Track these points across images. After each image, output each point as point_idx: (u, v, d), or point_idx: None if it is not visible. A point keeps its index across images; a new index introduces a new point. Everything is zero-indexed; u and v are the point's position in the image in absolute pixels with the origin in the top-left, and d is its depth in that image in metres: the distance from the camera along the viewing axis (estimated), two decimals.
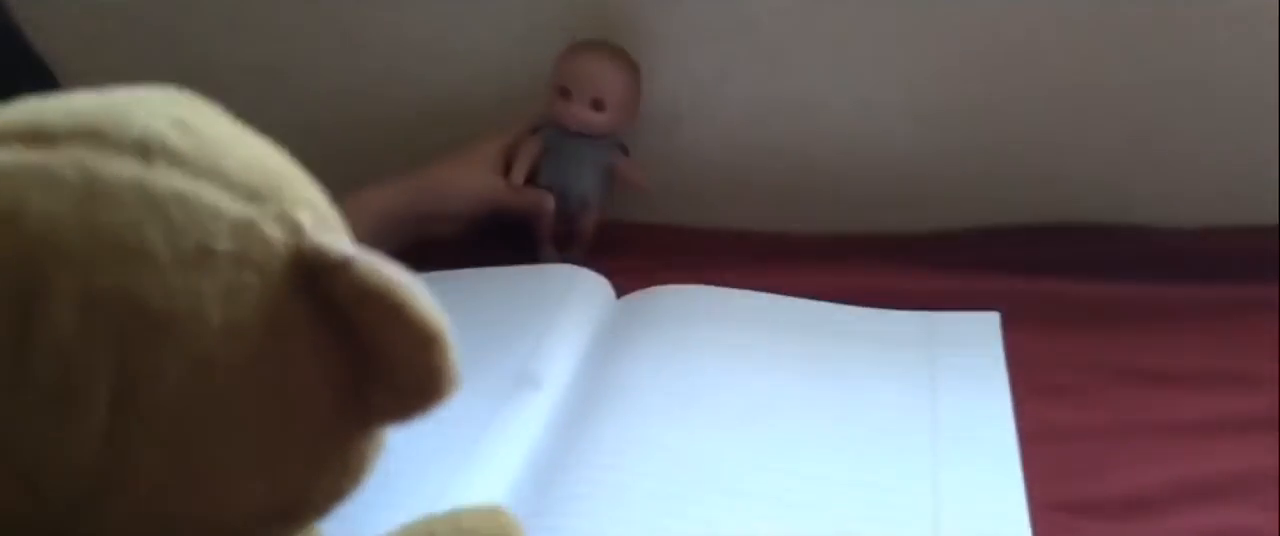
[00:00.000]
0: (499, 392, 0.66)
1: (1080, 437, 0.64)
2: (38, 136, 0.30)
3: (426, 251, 0.84)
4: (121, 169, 0.30)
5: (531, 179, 0.86)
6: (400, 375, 0.31)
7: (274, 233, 0.31)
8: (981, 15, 0.85)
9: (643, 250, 0.87)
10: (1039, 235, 0.86)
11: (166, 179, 0.30)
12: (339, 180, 0.84)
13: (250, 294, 0.30)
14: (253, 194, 0.31)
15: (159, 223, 0.30)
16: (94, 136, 0.30)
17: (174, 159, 0.31)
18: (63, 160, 0.30)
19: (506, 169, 0.85)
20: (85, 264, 0.29)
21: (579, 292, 0.78)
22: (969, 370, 0.69)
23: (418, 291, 0.31)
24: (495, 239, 0.87)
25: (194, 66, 0.93)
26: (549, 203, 0.85)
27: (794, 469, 0.62)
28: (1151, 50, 0.84)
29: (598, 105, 0.84)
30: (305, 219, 0.32)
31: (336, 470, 0.32)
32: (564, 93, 0.84)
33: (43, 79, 0.60)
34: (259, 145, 0.33)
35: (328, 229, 0.32)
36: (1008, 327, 0.73)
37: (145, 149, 0.30)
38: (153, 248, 0.29)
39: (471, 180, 0.84)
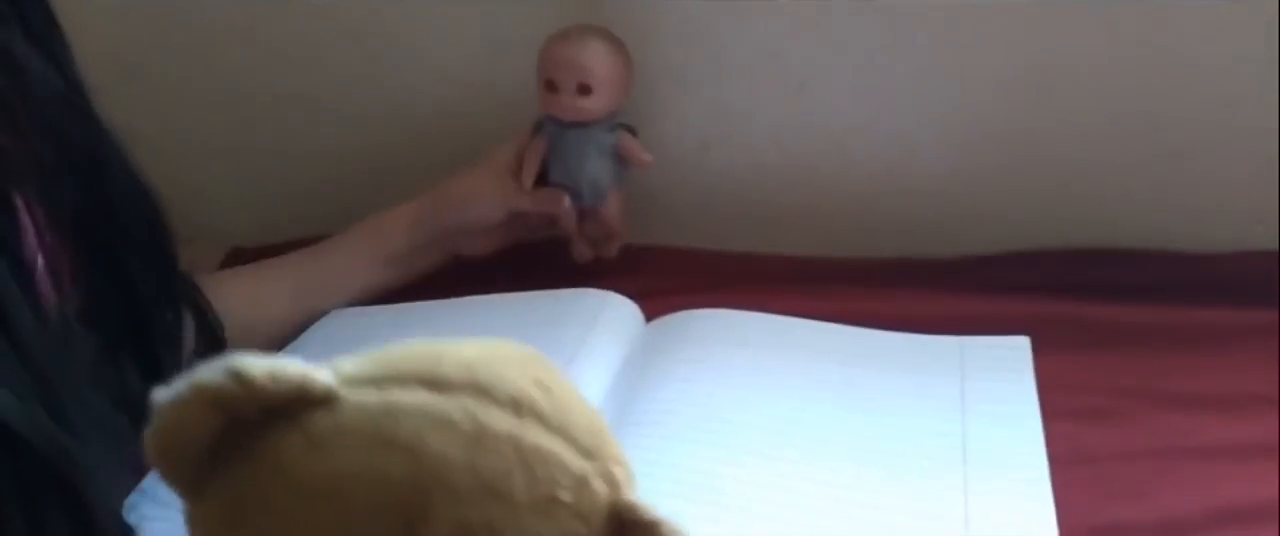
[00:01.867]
0: None
1: (1111, 461, 0.64)
2: (435, 383, 0.36)
3: (464, 275, 0.86)
4: (501, 421, 0.35)
5: (543, 179, 0.86)
6: None
7: (600, 487, 0.37)
8: (1011, 42, 0.85)
9: (672, 274, 0.87)
10: (1069, 259, 0.85)
11: (533, 435, 0.36)
12: (374, 205, 0.87)
13: None
14: (588, 452, 0.37)
15: (524, 472, 0.35)
16: (480, 390, 0.36)
17: (538, 416, 0.36)
18: (455, 407, 0.35)
19: (518, 174, 0.85)
20: (464, 498, 0.34)
21: (609, 316, 0.78)
22: (999, 394, 0.69)
23: None
24: (531, 254, 0.88)
25: (229, 93, 0.96)
26: (563, 200, 0.85)
27: (823, 493, 0.62)
28: (1185, 73, 0.84)
29: (584, 90, 0.83)
30: (620, 477, 0.38)
31: None
32: (550, 85, 0.84)
33: (80, 108, 0.62)
34: (586, 404, 0.39)
35: (632, 485, 0.38)
36: (1038, 352, 0.72)
37: (518, 406, 0.36)
38: (517, 493, 0.35)
39: (485, 188, 0.85)
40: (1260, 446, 0.64)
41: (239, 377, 0.35)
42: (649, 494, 0.60)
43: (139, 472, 0.61)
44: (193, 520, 0.37)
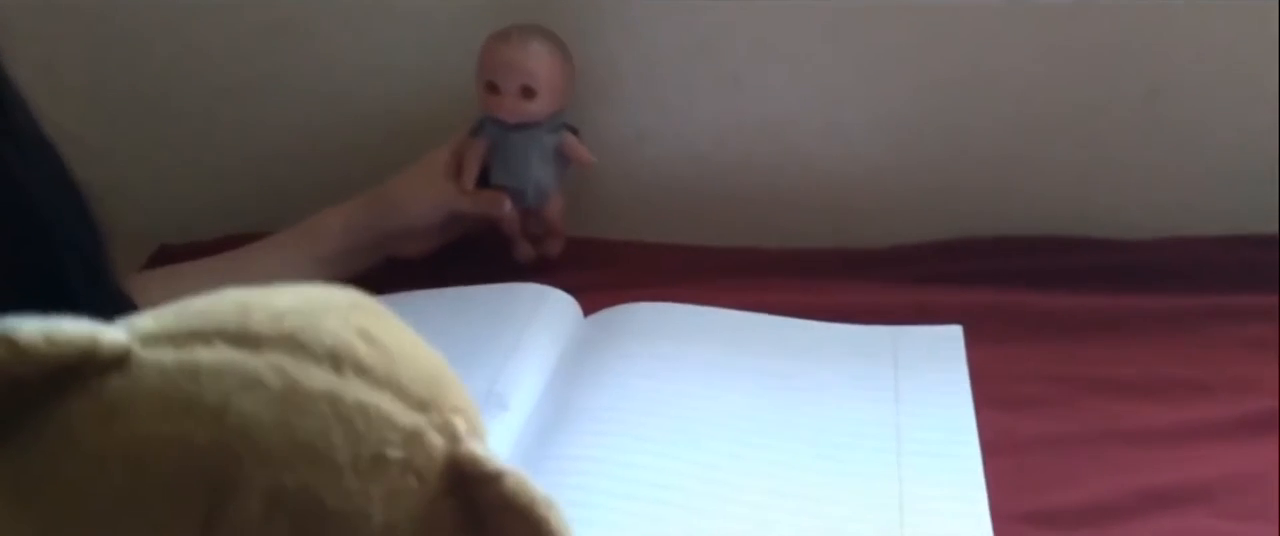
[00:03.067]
0: None
1: (1042, 448, 0.65)
2: (243, 339, 0.33)
3: (398, 270, 0.85)
4: (317, 378, 0.32)
5: (484, 180, 0.85)
6: None
7: (435, 441, 0.34)
8: (943, 35, 0.86)
9: (609, 267, 0.87)
10: (999, 248, 0.86)
11: (354, 390, 0.33)
12: (304, 204, 0.86)
13: (410, 497, 0.33)
14: (421, 403, 0.34)
15: (344, 430, 0.32)
16: (293, 344, 0.33)
17: (360, 370, 0.33)
18: (265, 365, 0.32)
19: (458, 175, 0.84)
20: (277, 462, 0.31)
21: (546, 311, 0.78)
22: (933, 383, 0.70)
23: (557, 511, 0.34)
24: (469, 248, 0.87)
25: (155, 86, 0.95)
26: (504, 203, 0.84)
27: (760, 484, 0.62)
28: (1110, 67, 0.86)
29: (527, 93, 0.82)
30: (461, 427, 0.35)
31: None
32: (492, 87, 0.83)
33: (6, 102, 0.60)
34: (423, 350, 0.36)
35: (476, 436, 0.35)
36: (970, 340, 0.73)
37: (337, 360, 0.33)
38: (336, 453, 0.32)
39: (424, 190, 0.84)
40: (1187, 430, 0.66)
41: (8, 342, 0.32)
42: (590, 488, 0.61)
43: None
44: None
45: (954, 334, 0.74)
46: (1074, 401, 0.69)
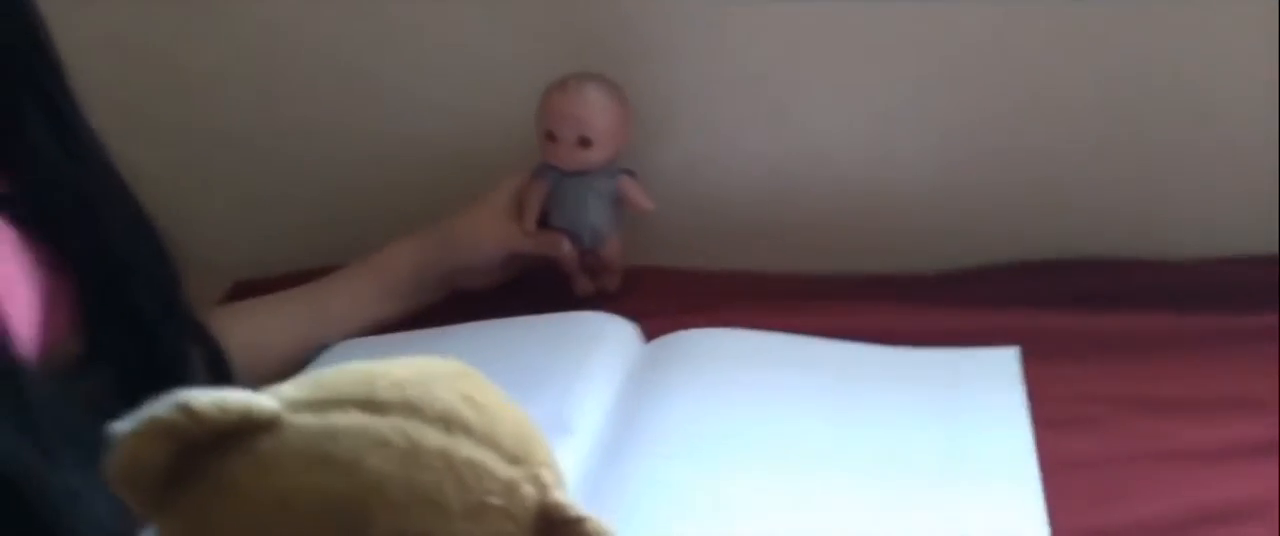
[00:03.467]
0: None
1: (1099, 467, 0.65)
2: (370, 405, 0.39)
3: (465, 303, 0.87)
4: (432, 437, 0.39)
5: (544, 220, 0.87)
6: None
7: (529, 490, 0.40)
8: (987, 60, 0.88)
9: (668, 294, 0.89)
10: (1053, 270, 0.87)
11: (462, 448, 0.39)
12: (371, 238, 0.88)
13: None
14: (515, 459, 0.40)
15: (455, 482, 0.39)
16: (411, 408, 0.39)
17: (467, 430, 0.39)
18: (389, 427, 0.39)
19: (519, 215, 0.87)
20: (401, 509, 0.38)
21: (607, 337, 0.80)
22: (990, 405, 0.71)
23: None
24: (532, 282, 0.89)
25: (228, 124, 0.98)
26: (564, 245, 0.86)
27: (821, 506, 0.64)
28: (1159, 90, 0.87)
29: (584, 143, 0.84)
30: (549, 479, 0.41)
31: None
32: (550, 136, 0.85)
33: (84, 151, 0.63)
34: (515, 412, 0.42)
35: (560, 486, 0.41)
36: (1027, 362, 0.74)
37: (448, 422, 0.39)
38: (449, 502, 0.38)
39: (487, 228, 0.86)
40: (1240, 447, 0.66)
41: (187, 410, 0.38)
42: (652, 510, 0.63)
43: None
44: None
45: (1010, 355, 0.75)
46: (1128, 420, 0.69)
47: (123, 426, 0.39)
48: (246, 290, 0.91)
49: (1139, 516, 0.62)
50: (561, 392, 0.73)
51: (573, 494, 0.65)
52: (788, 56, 0.90)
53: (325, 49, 0.95)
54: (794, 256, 0.92)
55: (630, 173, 0.88)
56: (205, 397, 0.39)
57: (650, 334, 0.82)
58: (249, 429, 0.39)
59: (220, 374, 0.72)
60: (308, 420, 0.39)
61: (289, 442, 0.39)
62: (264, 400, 0.39)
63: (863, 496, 0.64)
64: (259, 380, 0.76)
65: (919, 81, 0.90)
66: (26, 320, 0.58)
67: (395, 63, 0.95)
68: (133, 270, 0.64)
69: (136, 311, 0.64)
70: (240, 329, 0.77)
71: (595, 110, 0.85)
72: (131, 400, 0.63)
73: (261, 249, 0.98)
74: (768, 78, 0.91)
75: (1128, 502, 0.63)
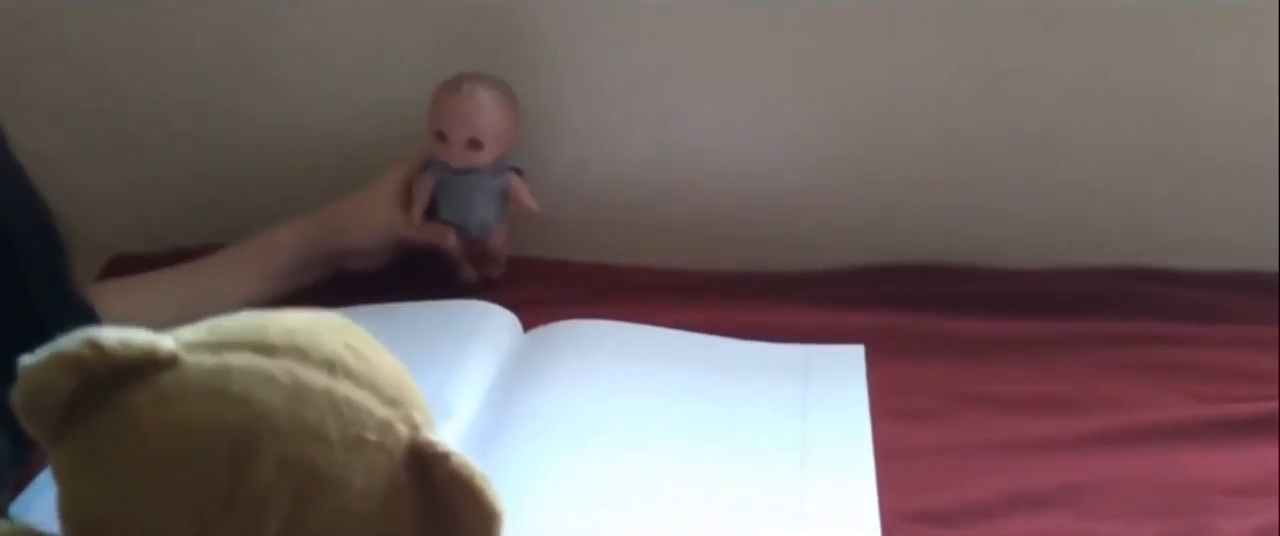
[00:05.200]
0: None
1: (929, 455, 0.71)
2: (262, 347, 0.43)
3: (348, 284, 0.88)
4: (316, 378, 0.43)
5: (432, 212, 0.88)
6: None
7: (402, 429, 0.44)
8: (856, 69, 0.92)
9: (548, 284, 0.92)
10: (903, 274, 0.93)
11: (343, 389, 0.43)
12: (252, 219, 0.89)
13: (381, 470, 0.44)
14: (392, 401, 0.45)
15: (336, 417, 0.43)
16: (299, 352, 0.44)
17: (349, 374, 0.44)
18: (279, 367, 0.43)
19: (407, 202, 0.88)
20: (285, 437, 0.42)
21: (488, 326, 0.83)
22: (835, 398, 0.76)
23: (492, 484, 0.45)
24: (416, 265, 0.90)
25: (115, 102, 0.98)
26: (450, 237, 0.88)
27: (679, 487, 0.68)
28: (1008, 103, 0.92)
29: (474, 144, 0.85)
30: (420, 420, 0.45)
31: None
32: (441, 136, 0.86)
33: None
34: (393, 363, 0.46)
35: (430, 427, 0.46)
36: (873, 359, 0.79)
37: (332, 366, 0.44)
38: (330, 433, 0.42)
39: (374, 215, 0.88)
40: (1058, 441, 0.72)
41: (94, 345, 0.42)
42: (524, 489, 0.66)
43: (18, 480, 0.63)
44: (55, 464, 0.44)
45: (857, 353, 0.80)
46: (960, 415, 0.75)
47: (29, 358, 0.43)
48: (126, 265, 0.91)
49: (963, 501, 0.67)
50: (442, 378, 0.75)
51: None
52: (674, 60, 0.93)
53: (216, 30, 0.95)
54: (670, 253, 0.96)
55: (519, 171, 0.89)
56: (112, 334, 0.43)
57: (530, 323, 0.85)
58: (150, 365, 0.43)
59: None
60: (204, 358, 0.43)
61: (187, 378, 0.42)
62: (165, 339, 0.43)
63: (717, 477, 0.69)
64: None
65: (793, 93, 0.94)
66: None
67: (285, 47, 0.95)
68: (20, 247, 0.64)
69: (24, 289, 0.64)
70: (118, 303, 0.75)
71: (486, 112, 0.86)
72: (7, 382, 0.64)
73: (142, 224, 0.98)
74: (655, 80, 0.94)
75: (953, 489, 0.68)
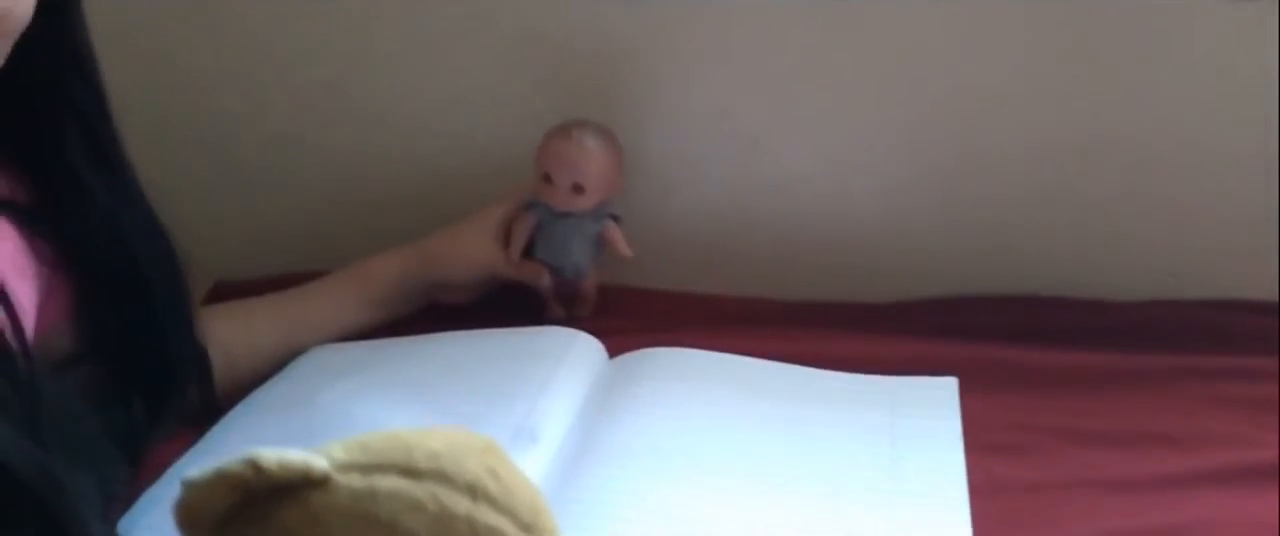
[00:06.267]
0: (500, 444, 0.71)
1: (1025, 492, 0.69)
2: (408, 471, 0.45)
3: (439, 309, 0.90)
4: (459, 504, 0.45)
5: (528, 250, 0.90)
6: None
7: None
8: (945, 96, 0.92)
9: (633, 313, 0.92)
10: (995, 305, 0.92)
11: (485, 515, 0.45)
12: (349, 247, 0.91)
13: None
14: (528, 526, 0.46)
15: None
16: (443, 477, 0.45)
17: (490, 500, 0.45)
18: (424, 491, 0.44)
19: (505, 240, 0.89)
20: None
21: (574, 353, 0.83)
22: (927, 431, 0.74)
23: None
24: (507, 299, 0.92)
25: (219, 133, 1.00)
26: (544, 277, 0.89)
27: (767, 520, 0.67)
28: (1099, 144, 0.91)
29: (578, 189, 0.87)
30: None
31: None
32: (547, 178, 0.88)
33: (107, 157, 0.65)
34: (530, 486, 0.47)
35: None
36: (964, 391, 0.78)
37: (474, 490, 0.45)
38: None
39: (471, 250, 0.89)
40: (1157, 479, 0.71)
41: (255, 466, 0.43)
42: (610, 517, 0.66)
43: (128, 499, 0.64)
44: None
45: (949, 385, 0.79)
46: (1056, 450, 0.73)
47: (192, 473, 0.44)
48: (228, 291, 0.93)
49: None
50: (529, 404, 0.75)
51: None
52: (760, 88, 0.94)
53: (315, 63, 0.97)
54: (753, 282, 0.96)
55: (617, 217, 0.91)
56: (271, 455, 0.44)
57: (615, 350, 0.85)
58: (304, 484, 0.44)
59: (202, 374, 0.74)
60: (354, 480, 0.44)
61: (337, 498, 0.44)
62: (319, 460, 0.44)
63: (804, 513, 0.68)
64: (239, 378, 0.80)
65: (881, 127, 0.93)
66: (27, 316, 0.60)
67: (381, 82, 0.97)
68: (152, 285, 0.66)
69: (154, 321, 0.67)
70: (221, 329, 0.79)
71: (592, 158, 0.88)
72: (122, 395, 0.66)
73: (244, 253, 1.00)
74: (740, 108, 0.94)
75: (1048, 528, 0.67)
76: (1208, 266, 0.92)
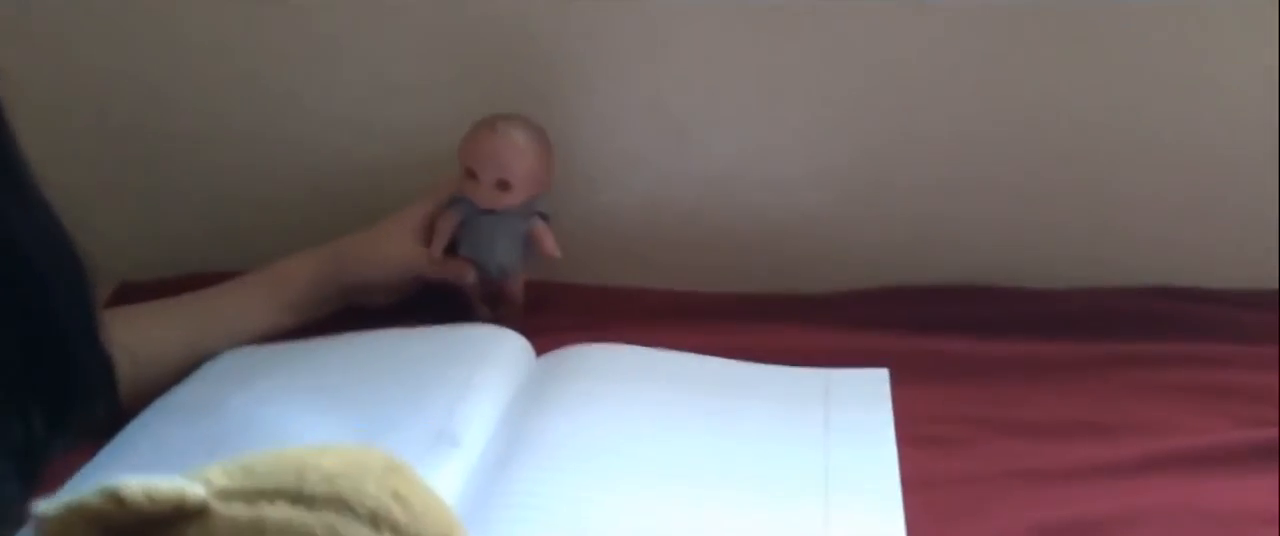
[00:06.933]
0: (418, 451, 0.68)
1: (956, 484, 0.69)
2: (300, 498, 0.40)
3: (356, 310, 0.87)
4: (359, 534, 0.40)
5: (452, 248, 0.87)
6: None
7: None
8: (875, 87, 0.91)
9: (561, 309, 0.91)
10: (925, 295, 0.91)
11: None
12: (263, 246, 0.88)
13: None
14: None
15: None
16: (341, 504, 0.40)
17: (394, 529, 0.41)
18: (318, 522, 0.40)
19: (427, 238, 0.87)
20: None
21: (498, 351, 0.81)
22: (859, 423, 0.74)
23: None
24: (429, 299, 0.89)
25: (124, 128, 0.97)
26: (469, 274, 0.87)
27: (700, 518, 0.66)
28: (1030, 131, 0.91)
29: (504, 185, 0.85)
30: None
31: None
32: (471, 174, 0.85)
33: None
34: (440, 507, 0.43)
35: None
36: (896, 382, 0.78)
37: (376, 519, 0.40)
38: None
39: (392, 249, 0.86)
40: (1087, 468, 0.70)
41: (116, 499, 0.38)
42: (536, 522, 0.64)
43: (18, 518, 0.62)
44: None
45: (881, 376, 0.79)
46: (986, 441, 0.73)
47: (46, 506, 0.39)
48: (133, 293, 0.90)
49: (989, 532, 0.65)
50: (450, 406, 0.74)
51: (458, 507, 0.67)
52: (687, 80, 0.93)
53: (229, 56, 0.95)
54: (684, 275, 0.95)
55: (546, 216, 0.88)
56: (135, 486, 0.39)
57: (542, 348, 0.83)
58: (178, 517, 0.39)
59: (107, 383, 0.71)
60: (238, 510, 0.40)
61: (217, 532, 0.39)
62: (195, 488, 0.40)
63: (736, 506, 0.67)
64: (143, 384, 0.76)
65: (810, 114, 0.93)
66: None
67: (298, 73, 0.95)
68: (49, 280, 0.63)
69: (53, 329, 0.63)
70: (125, 334, 0.74)
71: (518, 154, 0.85)
72: (20, 407, 0.63)
73: (151, 252, 0.98)
74: (669, 103, 0.93)
75: (982, 519, 0.66)
76: (1137, 254, 0.93)
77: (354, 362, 0.80)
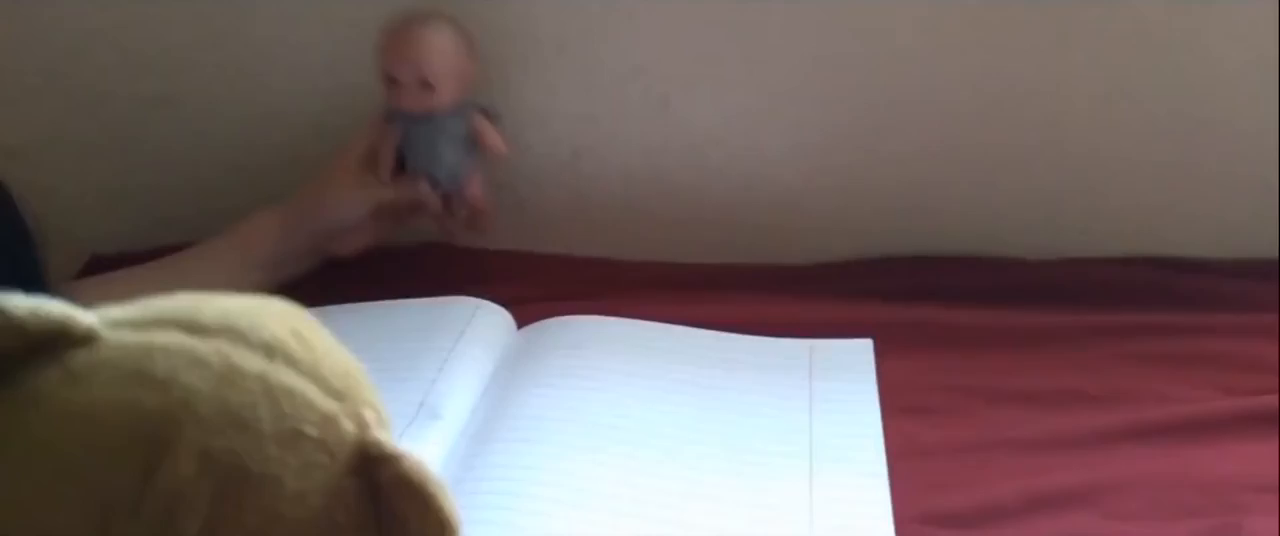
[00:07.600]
0: (400, 423, 0.68)
1: (942, 454, 0.69)
2: (193, 327, 0.39)
3: (335, 282, 0.86)
4: (251, 362, 0.38)
5: (402, 168, 0.86)
6: None
7: (347, 426, 0.39)
8: (858, 56, 0.90)
9: (542, 281, 0.90)
10: (910, 265, 0.91)
11: (281, 375, 0.39)
12: (234, 214, 0.86)
13: (320, 470, 0.38)
14: (338, 394, 0.40)
15: (270, 407, 0.38)
16: (235, 334, 0.39)
17: (289, 360, 0.39)
18: (209, 348, 0.38)
19: (375, 165, 0.85)
20: (210, 427, 0.37)
21: (480, 324, 0.81)
22: (844, 393, 0.74)
23: (444, 489, 0.39)
24: (410, 269, 0.89)
25: (88, 97, 0.95)
26: (423, 186, 0.85)
27: (682, 487, 0.66)
28: (1011, 101, 0.90)
29: (426, 85, 0.82)
30: (370, 418, 0.40)
31: None
32: (391, 80, 0.83)
33: None
34: (344, 353, 0.41)
35: (382, 426, 0.41)
36: (881, 353, 0.77)
37: (270, 350, 0.39)
38: (262, 424, 0.37)
39: (345, 183, 0.85)
40: (1075, 437, 0.70)
41: (3, 313, 0.37)
42: (520, 493, 0.64)
43: None
44: None
45: (864, 346, 0.78)
46: (973, 410, 0.73)
47: None
48: (104, 265, 0.89)
49: (979, 501, 0.65)
50: (431, 378, 0.73)
51: (440, 478, 0.66)
52: (670, 48, 0.91)
53: (187, 25, 0.93)
54: (667, 246, 0.94)
55: (484, 110, 0.86)
56: (22, 302, 0.37)
57: (523, 320, 0.83)
58: (65, 342, 0.38)
59: None
60: (126, 335, 0.38)
61: (104, 357, 0.38)
62: (83, 314, 0.38)
63: (720, 476, 0.67)
64: None
65: (792, 84, 0.92)
66: None
67: (257, 38, 0.93)
68: None
69: None
70: (97, 302, 0.75)
71: (434, 50, 0.82)
72: None
73: (119, 223, 0.96)
74: (650, 69, 0.92)
75: (968, 489, 0.66)
76: (1122, 222, 0.92)
77: (335, 336, 0.78)
